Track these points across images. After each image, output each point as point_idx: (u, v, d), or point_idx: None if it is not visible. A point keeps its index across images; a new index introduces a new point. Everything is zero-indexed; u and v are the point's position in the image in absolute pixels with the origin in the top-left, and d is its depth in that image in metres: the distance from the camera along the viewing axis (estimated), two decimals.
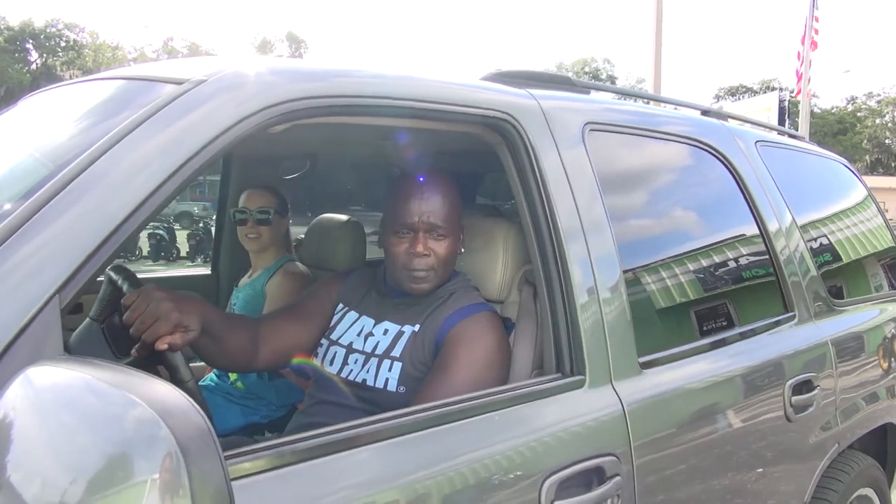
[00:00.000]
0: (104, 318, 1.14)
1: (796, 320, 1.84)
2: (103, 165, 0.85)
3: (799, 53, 13.15)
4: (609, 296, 1.33)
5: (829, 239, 2.18)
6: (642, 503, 1.25)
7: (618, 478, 1.20)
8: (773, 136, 2.24)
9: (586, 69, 56.43)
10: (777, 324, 1.78)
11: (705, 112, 2.02)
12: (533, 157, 1.30)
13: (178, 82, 0.98)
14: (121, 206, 0.83)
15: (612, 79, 56.77)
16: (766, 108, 14.43)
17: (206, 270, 2.72)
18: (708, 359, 1.53)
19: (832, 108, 49.19)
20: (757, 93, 37.40)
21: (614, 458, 1.21)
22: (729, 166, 1.81)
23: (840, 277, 2.20)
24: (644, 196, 1.63)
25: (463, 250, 1.49)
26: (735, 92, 45.86)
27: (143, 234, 12.01)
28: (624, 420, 1.25)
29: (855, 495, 2.04)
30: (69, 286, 0.76)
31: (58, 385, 0.63)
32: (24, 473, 0.62)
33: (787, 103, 15.01)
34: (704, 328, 1.61)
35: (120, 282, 1.13)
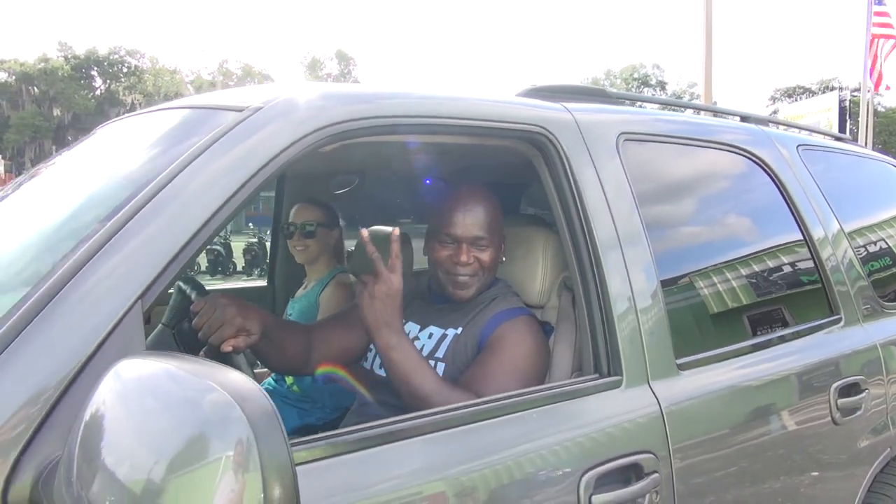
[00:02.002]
0: (175, 324, 1.25)
1: (843, 323, 1.83)
2: (176, 187, 0.96)
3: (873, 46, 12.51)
4: (645, 300, 1.37)
5: (878, 241, 2.15)
6: (682, 502, 1.29)
7: (656, 474, 1.24)
8: (817, 139, 2.23)
9: (635, 75, 55.73)
10: (820, 327, 1.78)
11: (745, 118, 2.03)
12: (568, 169, 1.36)
13: (239, 110, 1.08)
14: (191, 222, 0.94)
15: (662, 84, 55.86)
16: (825, 109, 13.96)
17: (263, 283, 2.86)
18: (746, 361, 1.54)
19: None
20: (815, 93, 36.13)
21: (652, 455, 1.25)
22: (769, 171, 1.82)
23: (892, 280, 2.17)
24: (681, 203, 1.67)
25: (504, 259, 1.55)
26: (792, 93, 44.45)
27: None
28: (661, 418, 1.29)
29: None
30: (149, 293, 0.87)
31: (142, 375, 0.72)
32: (116, 456, 0.71)
33: (847, 103, 14.47)
34: (743, 332, 1.63)
35: (189, 291, 1.25)
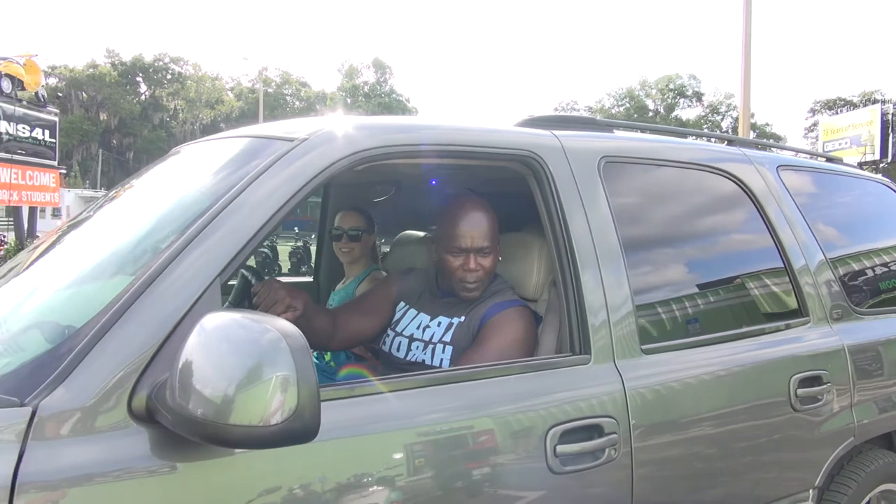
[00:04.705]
0: (238, 303, 1.62)
1: (810, 324, 2.07)
2: (242, 199, 1.31)
3: None
4: (615, 297, 1.65)
5: (853, 251, 2.37)
6: (637, 458, 1.57)
7: (614, 435, 1.53)
8: (798, 159, 2.47)
9: (670, 86, 54.89)
10: (787, 326, 2.03)
11: (731, 142, 2.30)
12: (553, 188, 1.67)
13: (290, 140, 1.44)
14: (254, 224, 1.29)
15: (698, 95, 54.82)
16: (867, 122, 13.69)
17: (309, 278, 3.26)
18: (709, 349, 1.81)
19: None
20: (857, 105, 35.00)
21: (613, 419, 1.54)
22: (744, 187, 2.09)
23: (870, 288, 2.38)
24: (655, 216, 1.95)
25: (500, 259, 1.87)
26: (832, 105, 43.11)
27: None
28: (623, 390, 1.58)
29: (879, 489, 2.21)
30: (224, 273, 1.22)
31: (219, 325, 1.06)
32: (202, 384, 1.04)
33: (891, 116, 14.14)
34: (710, 327, 1.90)
35: (250, 277, 1.61)
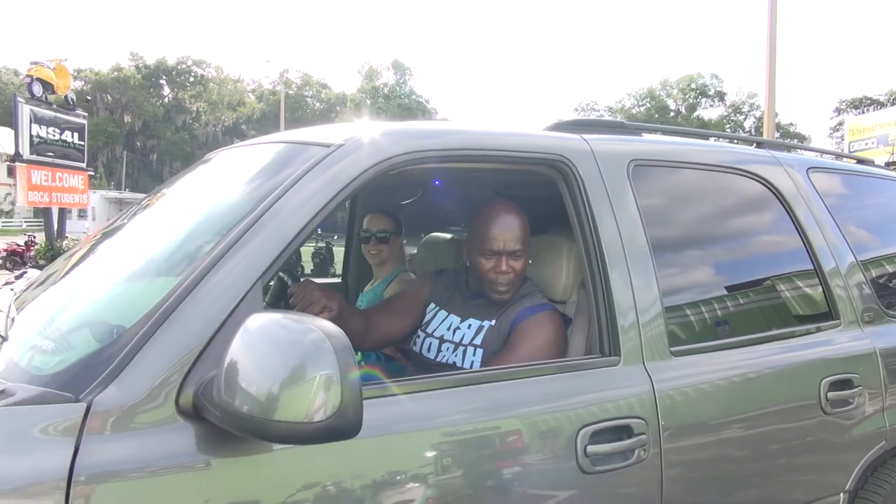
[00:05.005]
0: (274, 303, 1.66)
1: (841, 327, 2.06)
2: (282, 203, 1.35)
3: None
4: (644, 299, 1.67)
5: (886, 254, 2.35)
6: (667, 460, 1.58)
7: (644, 436, 1.54)
8: (829, 161, 2.46)
9: (692, 85, 54.33)
10: (818, 329, 2.02)
11: (759, 144, 2.30)
12: (583, 191, 1.69)
13: (327, 146, 1.47)
14: (292, 229, 1.33)
15: (720, 95, 54.20)
16: (894, 122, 13.44)
17: (337, 280, 3.30)
18: (738, 352, 1.81)
19: None
20: (884, 105, 34.42)
21: (642, 420, 1.56)
22: (773, 189, 2.08)
23: None
24: (685, 219, 1.96)
25: (531, 262, 1.89)
26: (858, 104, 42.44)
27: None
28: (652, 392, 1.59)
29: None
30: (265, 275, 1.26)
31: (261, 325, 1.09)
32: (248, 383, 1.07)
33: None
34: (739, 330, 1.90)
35: (286, 278, 1.65)
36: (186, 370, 1.15)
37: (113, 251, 1.73)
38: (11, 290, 1.86)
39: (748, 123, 56.43)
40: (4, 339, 1.33)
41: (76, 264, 1.73)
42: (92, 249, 1.80)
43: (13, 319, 1.47)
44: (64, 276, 1.70)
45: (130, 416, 1.10)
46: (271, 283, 1.81)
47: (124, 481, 1.06)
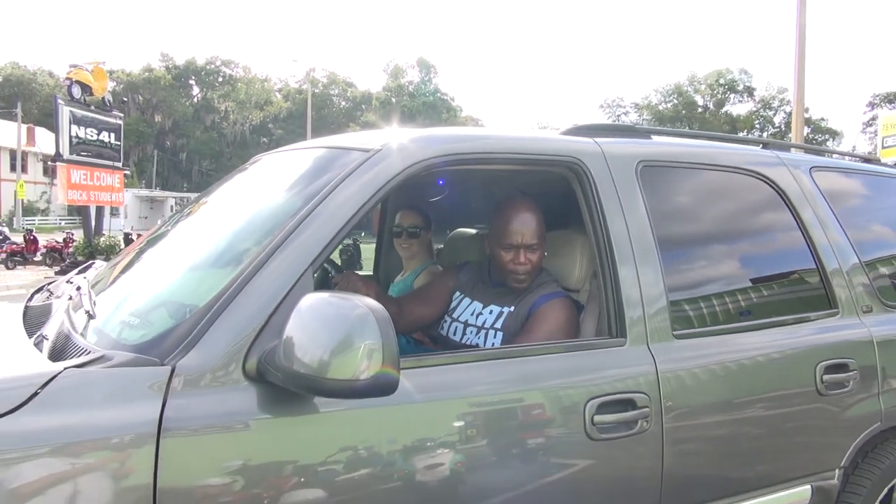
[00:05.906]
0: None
1: (839, 316, 2.21)
2: (327, 203, 1.56)
3: None
4: (650, 288, 1.84)
5: (889, 248, 2.49)
6: (668, 432, 1.76)
7: (647, 409, 1.72)
8: (832, 160, 2.60)
9: (720, 81, 53.58)
10: (816, 317, 2.17)
11: (765, 145, 2.45)
12: (594, 190, 1.87)
13: (366, 150, 1.68)
14: (336, 225, 1.53)
15: (749, 90, 53.41)
16: None
17: (369, 273, 3.52)
18: (738, 336, 1.98)
19: None
20: None
21: (645, 395, 1.74)
22: (776, 188, 2.24)
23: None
24: (689, 215, 2.13)
25: (546, 254, 2.08)
26: (893, 98, 41.49)
27: None
28: (655, 370, 1.77)
29: None
30: (315, 262, 1.47)
31: (312, 304, 1.30)
32: (302, 354, 1.28)
33: None
34: (740, 316, 2.07)
35: (329, 269, 1.87)
36: (251, 341, 1.36)
37: (177, 245, 1.96)
38: (85, 278, 2.10)
39: (778, 119, 55.59)
40: (92, 316, 1.57)
41: (144, 256, 1.97)
42: (155, 243, 2.04)
43: (95, 301, 1.70)
44: (133, 266, 1.93)
45: (207, 377, 1.32)
46: (315, 274, 2.04)
47: (202, 432, 1.28)
